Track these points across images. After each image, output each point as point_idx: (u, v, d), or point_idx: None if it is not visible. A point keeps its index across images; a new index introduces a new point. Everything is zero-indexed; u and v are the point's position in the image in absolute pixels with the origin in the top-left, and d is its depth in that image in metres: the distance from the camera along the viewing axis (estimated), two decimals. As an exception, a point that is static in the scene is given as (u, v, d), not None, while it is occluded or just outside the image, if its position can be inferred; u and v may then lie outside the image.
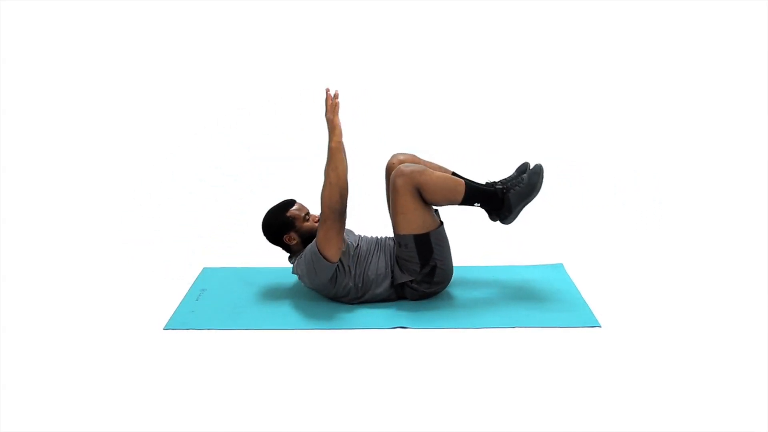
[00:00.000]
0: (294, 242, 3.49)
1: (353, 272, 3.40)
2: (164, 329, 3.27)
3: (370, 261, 3.45)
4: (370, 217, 4.07)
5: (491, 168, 4.41)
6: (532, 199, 3.41)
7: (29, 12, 5.66)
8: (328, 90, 3.29)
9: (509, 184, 3.43)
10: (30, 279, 3.79)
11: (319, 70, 5.80)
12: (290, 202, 3.52)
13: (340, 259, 3.35)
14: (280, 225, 3.47)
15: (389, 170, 3.54)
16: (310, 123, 4.55)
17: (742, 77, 5.66)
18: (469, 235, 3.87)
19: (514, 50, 5.90)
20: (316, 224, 3.45)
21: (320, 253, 3.29)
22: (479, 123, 5.76)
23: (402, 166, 3.35)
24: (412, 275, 3.42)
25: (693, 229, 4.32)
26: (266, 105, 5.73)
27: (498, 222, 3.50)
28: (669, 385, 2.76)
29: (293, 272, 3.47)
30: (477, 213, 3.56)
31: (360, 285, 3.42)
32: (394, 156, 3.55)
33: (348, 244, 3.42)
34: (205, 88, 5.80)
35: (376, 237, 3.60)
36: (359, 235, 3.60)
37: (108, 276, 3.84)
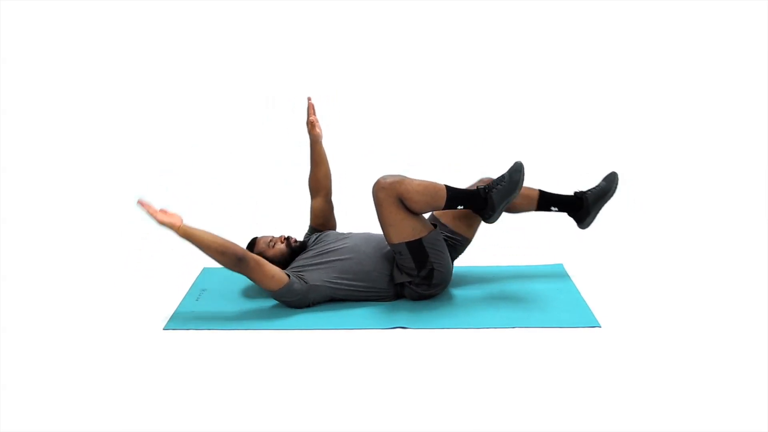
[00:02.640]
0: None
1: (336, 270, 3.44)
2: (164, 329, 3.27)
3: (363, 256, 3.48)
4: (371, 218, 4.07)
5: (491, 170, 4.40)
6: (515, 196, 3.40)
7: (29, 12, 5.66)
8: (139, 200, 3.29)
9: (491, 183, 3.43)
10: (30, 279, 3.79)
11: (320, 73, 5.80)
12: (251, 243, 3.61)
13: (299, 274, 3.42)
14: None
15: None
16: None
17: (742, 77, 5.66)
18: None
19: (512, 53, 5.90)
20: (283, 244, 3.57)
21: (272, 291, 3.37)
22: (480, 124, 5.76)
23: (381, 178, 3.36)
24: (410, 277, 3.43)
25: (693, 230, 4.33)
26: (267, 106, 5.73)
27: (483, 221, 3.49)
28: (669, 385, 2.76)
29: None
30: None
31: (348, 275, 3.45)
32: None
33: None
34: (206, 88, 5.80)
35: (371, 234, 3.63)
36: (342, 234, 3.65)
37: (108, 276, 3.84)
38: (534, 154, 5.38)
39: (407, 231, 3.36)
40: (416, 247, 3.38)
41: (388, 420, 2.60)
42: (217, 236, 3.28)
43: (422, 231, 3.39)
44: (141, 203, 3.26)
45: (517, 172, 3.38)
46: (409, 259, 3.39)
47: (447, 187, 3.38)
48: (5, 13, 5.57)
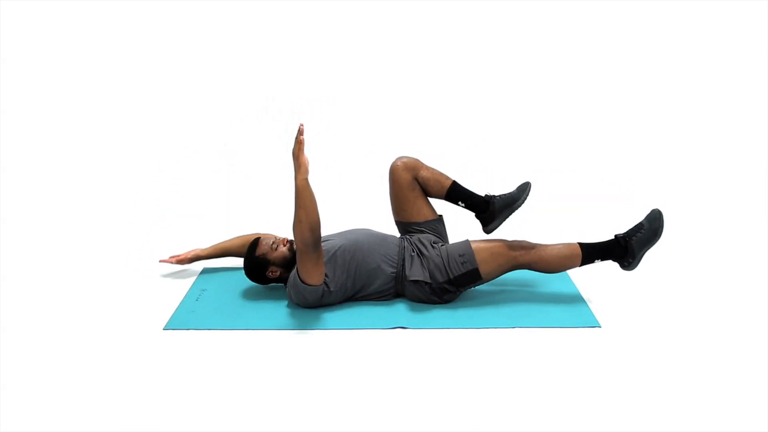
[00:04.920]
0: (277, 273, 3.54)
1: (346, 270, 3.43)
2: (164, 329, 3.27)
3: (366, 254, 3.47)
4: (373, 215, 4.07)
5: (492, 170, 4.41)
6: (655, 243, 3.45)
7: (29, 12, 5.66)
8: (301, 125, 3.26)
9: (629, 231, 3.45)
10: (30, 279, 3.79)
11: (321, 71, 5.80)
12: (255, 243, 3.58)
13: (326, 275, 3.41)
14: (257, 267, 3.55)
15: (393, 173, 3.61)
16: (311, 123, 4.54)
17: (741, 78, 5.66)
18: (469, 235, 3.86)
19: (513, 52, 5.90)
20: (286, 247, 3.54)
21: (304, 283, 3.35)
22: (480, 123, 5.76)
23: (524, 242, 3.43)
24: (431, 280, 3.44)
25: (693, 230, 4.33)
26: (268, 106, 5.73)
27: (622, 269, 3.48)
28: (669, 385, 2.77)
29: (288, 299, 3.50)
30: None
31: (357, 278, 3.45)
32: (398, 158, 3.62)
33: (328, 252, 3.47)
34: (206, 88, 5.80)
35: (370, 230, 3.62)
36: (342, 233, 3.61)
37: (108, 276, 3.84)
38: (533, 154, 5.39)
39: (490, 269, 3.43)
40: (474, 276, 3.43)
41: (389, 420, 2.60)
42: (318, 212, 3.27)
43: (490, 277, 3.47)
44: (301, 130, 3.20)
45: (656, 220, 3.45)
46: (459, 273, 3.41)
47: (581, 245, 3.44)
48: (5, 13, 5.57)
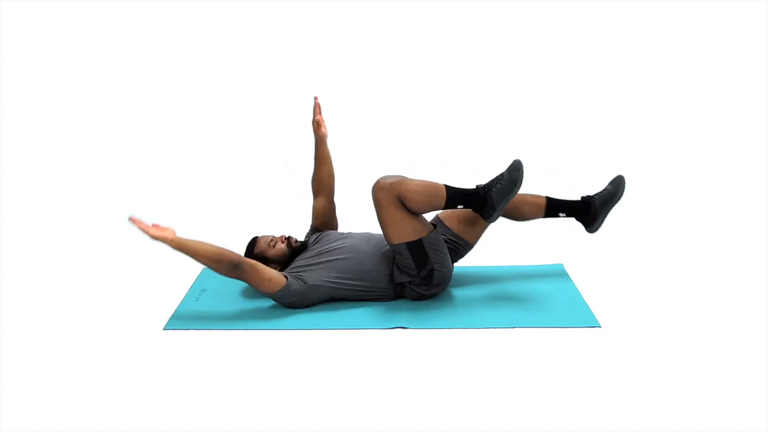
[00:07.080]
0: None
1: (340, 271, 3.44)
2: (164, 329, 3.27)
3: (363, 257, 3.48)
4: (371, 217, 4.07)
5: (491, 170, 4.39)
6: (514, 195, 3.40)
7: (29, 12, 5.66)
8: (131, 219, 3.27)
9: (490, 182, 3.42)
10: (30, 279, 3.79)
11: (319, 73, 5.80)
12: (252, 242, 3.61)
13: (297, 274, 3.43)
14: None
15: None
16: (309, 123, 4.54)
17: (742, 77, 5.66)
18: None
19: (511, 52, 5.90)
20: (284, 244, 3.56)
21: (270, 294, 3.37)
22: (479, 124, 5.76)
23: (381, 179, 3.36)
24: (410, 277, 3.43)
25: (693, 229, 4.33)
26: (268, 106, 5.72)
27: (484, 220, 3.48)
28: (669, 385, 2.76)
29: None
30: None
31: (354, 281, 3.45)
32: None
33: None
34: (206, 88, 5.80)
35: (372, 234, 3.63)
36: (344, 235, 3.64)
37: (108, 276, 3.84)
38: (535, 154, 5.38)
39: (407, 231, 3.36)
40: (416, 248, 3.38)
41: (389, 420, 2.60)
42: (210, 245, 3.28)
43: (422, 231, 3.39)
44: (132, 220, 3.25)
45: (516, 170, 3.37)
46: (409, 260, 3.39)
47: (447, 186, 3.38)
48: (5, 13, 5.57)
